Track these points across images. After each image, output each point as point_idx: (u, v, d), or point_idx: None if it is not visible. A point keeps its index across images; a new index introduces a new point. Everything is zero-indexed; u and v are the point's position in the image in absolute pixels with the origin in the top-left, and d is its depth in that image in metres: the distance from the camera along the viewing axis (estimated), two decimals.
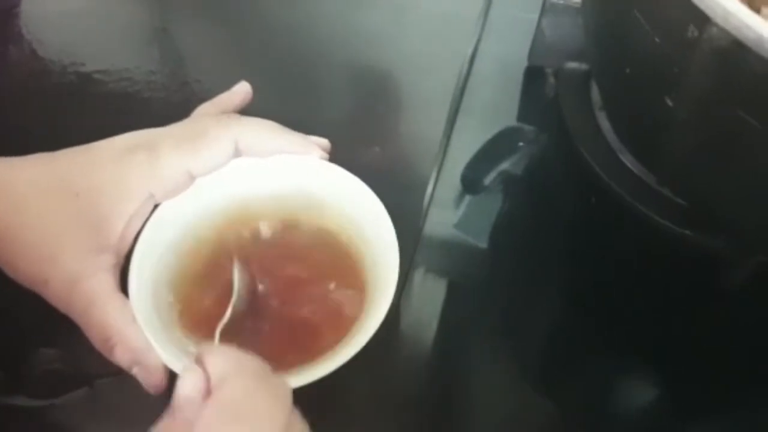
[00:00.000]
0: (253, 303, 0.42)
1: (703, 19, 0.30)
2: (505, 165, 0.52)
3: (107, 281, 0.40)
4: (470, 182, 0.51)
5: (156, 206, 0.43)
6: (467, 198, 0.50)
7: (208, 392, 0.33)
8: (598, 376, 0.44)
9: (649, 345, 0.45)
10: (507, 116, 0.53)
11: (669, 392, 0.44)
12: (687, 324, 0.44)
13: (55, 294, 0.40)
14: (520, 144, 0.53)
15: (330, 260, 0.44)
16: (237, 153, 0.44)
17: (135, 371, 0.39)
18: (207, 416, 0.32)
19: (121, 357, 0.39)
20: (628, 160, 0.44)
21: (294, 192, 0.45)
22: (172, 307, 0.42)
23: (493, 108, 0.53)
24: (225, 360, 0.34)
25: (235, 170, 0.45)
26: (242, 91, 0.47)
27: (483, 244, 0.49)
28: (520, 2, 0.54)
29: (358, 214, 0.44)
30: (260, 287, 0.43)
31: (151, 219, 0.43)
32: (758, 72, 0.29)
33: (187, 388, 0.33)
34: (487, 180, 0.52)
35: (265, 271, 0.43)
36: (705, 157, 0.34)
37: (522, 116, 0.52)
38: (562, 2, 0.45)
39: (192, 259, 0.44)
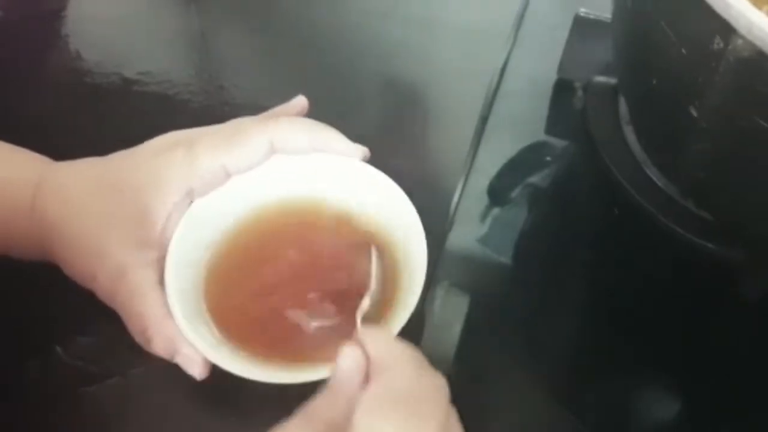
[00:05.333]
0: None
1: (728, 30, 0.31)
2: (532, 178, 0.53)
3: (150, 276, 0.41)
4: (497, 194, 0.52)
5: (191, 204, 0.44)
6: (493, 211, 0.51)
7: (367, 375, 0.33)
8: (620, 390, 0.44)
9: (671, 359, 0.45)
10: (535, 130, 0.53)
11: (690, 406, 0.44)
12: (708, 337, 0.45)
13: (102, 288, 0.41)
14: (548, 158, 0.53)
15: (361, 262, 0.43)
16: (273, 150, 0.45)
17: (177, 360, 0.40)
18: (370, 399, 0.31)
19: (158, 347, 0.40)
20: (653, 173, 0.44)
21: (328, 192, 0.46)
22: (204, 302, 0.42)
23: (522, 122, 0.54)
24: (388, 346, 0.34)
25: (273, 168, 0.45)
26: (299, 104, 0.47)
27: (507, 259, 0.49)
28: (551, 16, 0.55)
29: (392, 219, 0.44)
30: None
31: (186, 215, 0.44)
32: None
33: (347, 362, 0.33)
34: (514, 193, 0.52)
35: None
36: (728, 167, 0.35)
37: (550, 129, 0.52)
38: (592, 16, 0.46)
39: (225, 255, 0.44)
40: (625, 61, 0.41)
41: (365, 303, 0.39)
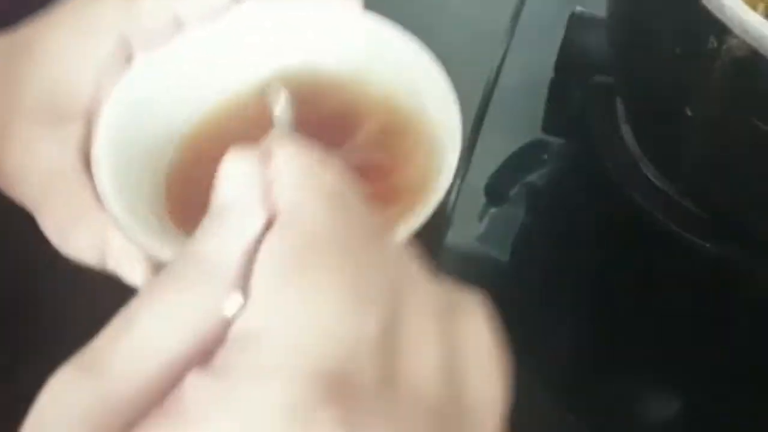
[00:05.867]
0: None
1: (723, 31, 0.30)
2: (530, 177, 0.53)
3: (68, 154, 0.32)
4: (494, 193, 0.52)
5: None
6: (490, 211, 0.51)
7: (268, 204, 0.21)
8: (621, 390, 0.44)
9: (671, 359, 0.45)
10: (532, 128, 0.53)
11: (691, 407, 0.44)
12: (709, 337, 0.44)
13: (7, 181, 0.32)
14: (545, 157, 0.53)
15: (384, 136, 0.34)
16: None
17: (111, 266, 0.30)
18: (268, 252, 0.20)
19: (80, 244, 0.30)
20: (651, 172, 0.44)
21: (326, 48, 0.36)
22: (158, 189, 0.32)
23: (518, 120, 0.53)
24: (303, 167, 0.21)
25: (244, 17, 0.34)
26: None
27: (505, 257, 0.49)
28: (548, 14, 0.55)
29: (414, 86, 0.35)
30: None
31: (128, 72, 0.33)
32: None
33: (236, 178, 0.21)
34: (512, 192, 0.52)
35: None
36: (725, 166, 0.35)
37: (547, 128, 0.52)
38: (588, 14, 0.46)
39: (184, 133, 0.34)
40: (620, 61, 0.40)
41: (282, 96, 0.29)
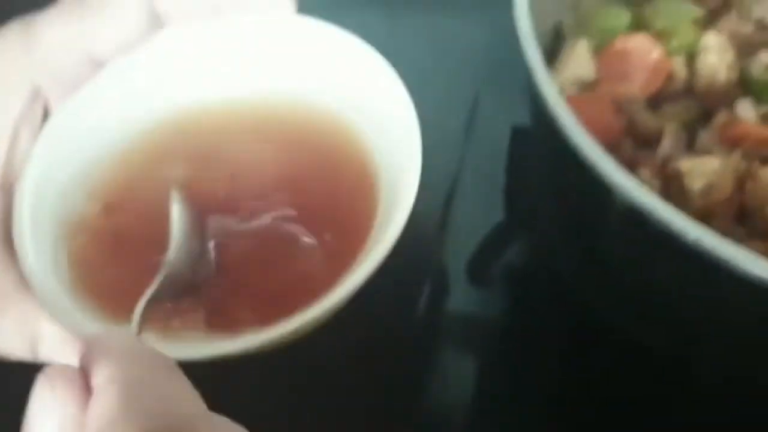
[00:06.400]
0: (200, 259, 0.29)
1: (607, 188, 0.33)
2: (508, 256, 0.55)
3: None
4: (476, 275, 0.54)
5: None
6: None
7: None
8: None
9: None
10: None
11: None
12: None
13: None
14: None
15: (325, 177, 0.31)
16: (156, 14, 0.30)
17: (43, 355, 0.27)
18: None
19: (10, 340, 0.27)
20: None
21: (262, 74, 0.31)
22: (73, 263, 0.29)
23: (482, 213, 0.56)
24: (117, 369, 0.20)
25: (167, 46, 0.30)
26: None
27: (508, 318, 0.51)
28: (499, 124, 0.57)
29: (362, 96, 0.31)
30: (212, 240, 0.30)
31: (45, 129, 0.29)
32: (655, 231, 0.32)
33: (44, 412, 0.20)
34: (492, 273, 0.55)
35: (223, 213, 0.30)
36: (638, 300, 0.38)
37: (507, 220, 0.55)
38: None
39: (108, 191, 0.30)
40: (533, 195, 0.43)
41: (155, 283, 0.27)
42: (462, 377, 0.48)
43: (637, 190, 0.32)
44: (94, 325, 0.27)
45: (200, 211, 0.30)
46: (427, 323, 0.50)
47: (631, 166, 0.42)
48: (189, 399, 0.21)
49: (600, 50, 0.46)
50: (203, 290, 0.30)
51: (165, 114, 0.31)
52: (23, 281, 0.27)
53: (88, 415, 0.20)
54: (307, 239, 0.31)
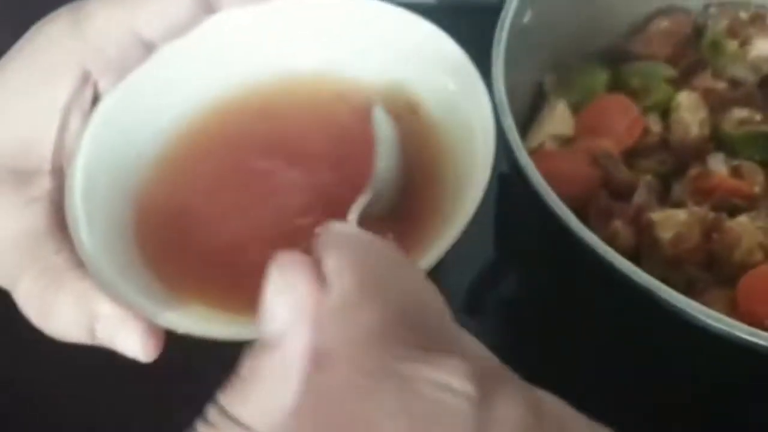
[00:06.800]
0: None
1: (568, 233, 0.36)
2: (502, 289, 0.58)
3: (41, 218, 0.27)
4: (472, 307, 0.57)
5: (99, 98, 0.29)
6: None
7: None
8: None
9: None
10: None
11: None
12: None
13: None
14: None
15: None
16: (208, 2, 0.30)
17: (102, 338, 0.26)
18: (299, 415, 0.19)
19: (63, 319, 0.26)
20: None
21: (317, 60, 0.31)
22: (130, 243, 0.28)
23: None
24: (358, 270, 0.20)
25: (218, 29, 0.30)
26: None
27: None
28: None
29: (429, 76, 0.29)
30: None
31: (97, 111, 0.29)
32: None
33: (279, 310, 0.20)
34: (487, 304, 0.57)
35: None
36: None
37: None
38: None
39: (163, 171, 0.30)
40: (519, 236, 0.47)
41: (364, 197, 0.25)
42: None
43: (593, 239, 0.35)
44: (153, 304, 0.26)
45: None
46: None
47: (606, 216, 0.45)
48: (431, 295, 0.21)
49: (579, 107, 0.49)
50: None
51: (217, 97, 0.31)
52: (78, 262, 0.26)
53: (325, 297, 0.20)
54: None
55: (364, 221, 0.24)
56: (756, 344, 0.34)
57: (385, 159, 0.27)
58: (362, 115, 0.29)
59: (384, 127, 0.27)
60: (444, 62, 0.29)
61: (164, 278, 0.27)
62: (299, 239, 0.26)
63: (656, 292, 0.34)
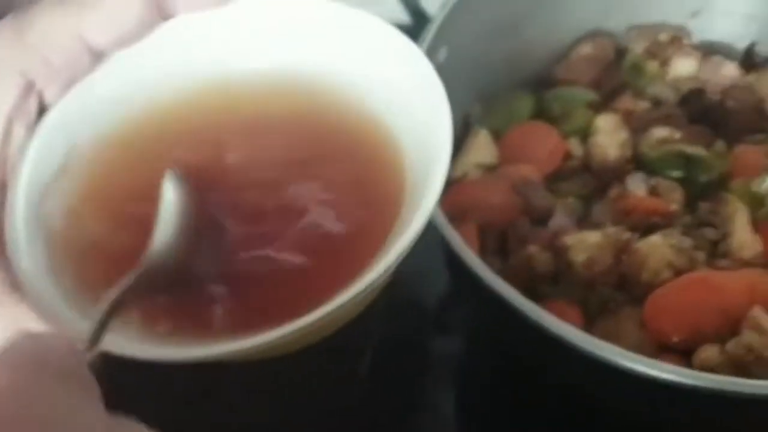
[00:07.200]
0: (198, 245, 0.26)
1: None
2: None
3: None
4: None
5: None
6: None
7: None
8: None
9: None
10: None
11: None
12: None
13: None
14: None
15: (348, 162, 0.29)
16: (160, 5, 0.29)
17: None
18: None
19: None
20: None
21: (274, 60, 0.30)
22: (69, 263, 0.27)
23: None
24: None
25: (170, 36, 0.29)
26: None
27: None
28: None
29: (385, 83, 0.29)
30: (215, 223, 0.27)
31: (44, 122, 0.28)
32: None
33: None
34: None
35: (230, 200, 0.28)
36: None
37: None
38: None
39: (110, 181, 0.29)
40: None
41: (133, 273, 0.25)
42: None
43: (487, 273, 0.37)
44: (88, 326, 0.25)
45: (207, 195, 0.28)
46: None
47: (523, 241, 0.46)
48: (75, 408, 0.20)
49: (502, 136, 0.51)
50: (207, 285, 0.27)
51: (168, 105, 0.30)
52: (14, 281, 0.26)
53: None
54: (330, 224, 0.28)
55: (140, 291, 0.24)
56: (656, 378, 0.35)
57: (163, 235, 0.26)
58: (320, 117, 0.29)
59: (169, 199, 0.26)
60: (403, 65, 0.29)
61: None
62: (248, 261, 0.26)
63: (551, 328, 0.36)
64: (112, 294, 0.24)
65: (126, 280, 0.24)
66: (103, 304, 0.24)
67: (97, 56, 0.28)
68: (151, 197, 0.27)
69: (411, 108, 0.28)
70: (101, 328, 0.23)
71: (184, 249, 0.26)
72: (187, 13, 0.29)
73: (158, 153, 0.29)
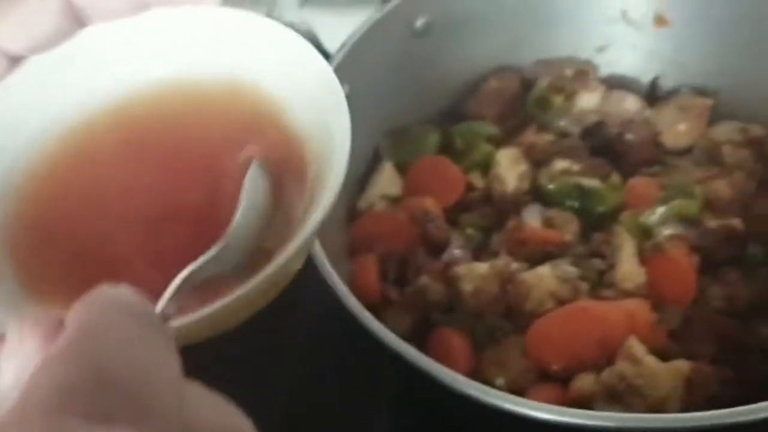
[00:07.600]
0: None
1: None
2: None
3: None
4: None
5: None
6: None
7: None
8: None
9: None
10: None
11: None
12: None
13: None
14: None
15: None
16: (75, 13, 0.29)
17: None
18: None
19: None
20: None
21: (190, 68, 0.31)
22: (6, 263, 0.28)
23: None
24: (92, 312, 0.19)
25: (86, 42, 0.30)
26: None
27: None
28: None
29: (294, 86, 0.30)
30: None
31: None
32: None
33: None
34: None
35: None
36: None
37: None
38: None
39: (37, 191, 0.29)
40: None
41: (207, 254, 0.25)
42: None
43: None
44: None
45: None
46: None
47: (419, 272, 0.48)
48: (155, 355, 0.19)
49: (410, 168, 0.53)
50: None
51: (86, 110, 0.31)
52: None
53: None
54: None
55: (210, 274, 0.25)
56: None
57: (245, 217, 0.27)
58: (238, 127, 0.30)
59: (254, 186, 0.27)
60: (314, 78, 0.30)
61: (42, 300, 0.27)
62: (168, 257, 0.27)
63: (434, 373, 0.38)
64: (192, 266, 0.24)
65: (209, 253, 0.25)
66: (179, 277, 0.24)
67: (14, 61, 0.29)
68: (82, 201, 0.29)
69: (313, 104, 0.29)
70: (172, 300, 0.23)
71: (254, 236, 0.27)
72: (101, 22, 0.29)
73: (80, 154, 0.30)
